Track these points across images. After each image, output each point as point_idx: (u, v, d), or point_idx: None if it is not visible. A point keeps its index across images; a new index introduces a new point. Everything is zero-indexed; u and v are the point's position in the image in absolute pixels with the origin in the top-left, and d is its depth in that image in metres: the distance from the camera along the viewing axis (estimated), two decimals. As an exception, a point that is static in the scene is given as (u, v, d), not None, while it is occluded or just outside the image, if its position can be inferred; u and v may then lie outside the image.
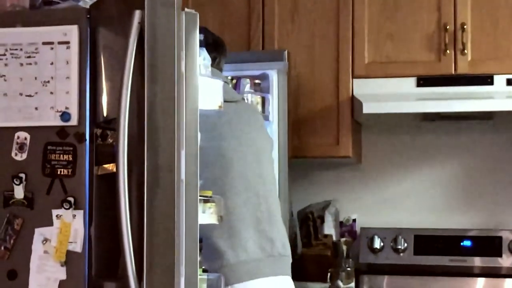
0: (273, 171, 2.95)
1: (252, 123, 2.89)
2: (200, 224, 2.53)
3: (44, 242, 2.30)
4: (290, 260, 2.81)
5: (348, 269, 3.59)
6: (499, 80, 3.34)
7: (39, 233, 2.30)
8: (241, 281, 2.61)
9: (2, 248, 2.32)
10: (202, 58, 2.45)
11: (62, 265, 2.28)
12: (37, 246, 2.30)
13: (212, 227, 2.57)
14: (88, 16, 2.34)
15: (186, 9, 2.30)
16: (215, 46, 2.83)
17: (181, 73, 2.26)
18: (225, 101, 2.78)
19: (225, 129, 2.75)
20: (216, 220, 2.48)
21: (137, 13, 2.21)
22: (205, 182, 2.56)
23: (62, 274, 2.28)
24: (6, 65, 2.35)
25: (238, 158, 2.73)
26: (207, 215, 2.43)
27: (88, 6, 2.38)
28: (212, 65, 2.71)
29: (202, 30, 2.40)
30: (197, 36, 2.33)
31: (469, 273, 3.54)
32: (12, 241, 2.32)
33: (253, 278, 2.64)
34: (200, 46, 2.36)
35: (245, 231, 2.67)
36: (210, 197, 2.46)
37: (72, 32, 2.32)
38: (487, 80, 3.35)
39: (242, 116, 2.86)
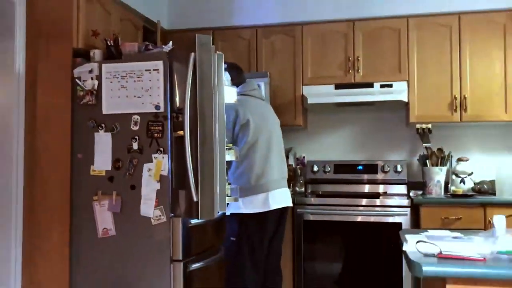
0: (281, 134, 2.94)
1: (272, 112, 2.91)
2: (259, 162, 2.59)
3: (149, 170, 2.33)
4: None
5: (301, 181, 3.63)
6: (376, 85, 3.32)
7: (146, 166, 2.33)
8: (272, 189, 2.64)
9: (127, 174, 2.35)
10: (225, 78, 2.46)
11: (158, 182, 2.31)
12: (145, 173, 2.33)
13: (264, 164, 2.63)
14: (168, 56, 2.35)
15: (217, 52, 2.31)
16: (237, 67, 2.83)
17: (215, 84, 2.27)
18: (261, 99, 2.82)
19: (265, 117, 2.76)
20: (235, 158, 2.50)
21: (192, 54, 2.22)
22: (249, 143, 2.60)
23: (158, 186, 2.31)
24: (126, 81, 2.37)
25: (269, 133, 2.74)
26: (230, 156, 2.45)
27: (167, 51, 2.39)
28: (240, 73, 2.75)
29: (226, 63, 2.41)
30: (223, 66, 2.33)
31: (361, 182, 3.56)
32: (132, 170, 2.35)
33: (278, 188, 2.69)
34: (224, 70, 2.37)
35: (272, 167, 2.69)
36: (231, 147, 2.48)
37: (160, 65, 2.33)
38: (370, 85, 3.33)
39: (270, 109, 2.90)
